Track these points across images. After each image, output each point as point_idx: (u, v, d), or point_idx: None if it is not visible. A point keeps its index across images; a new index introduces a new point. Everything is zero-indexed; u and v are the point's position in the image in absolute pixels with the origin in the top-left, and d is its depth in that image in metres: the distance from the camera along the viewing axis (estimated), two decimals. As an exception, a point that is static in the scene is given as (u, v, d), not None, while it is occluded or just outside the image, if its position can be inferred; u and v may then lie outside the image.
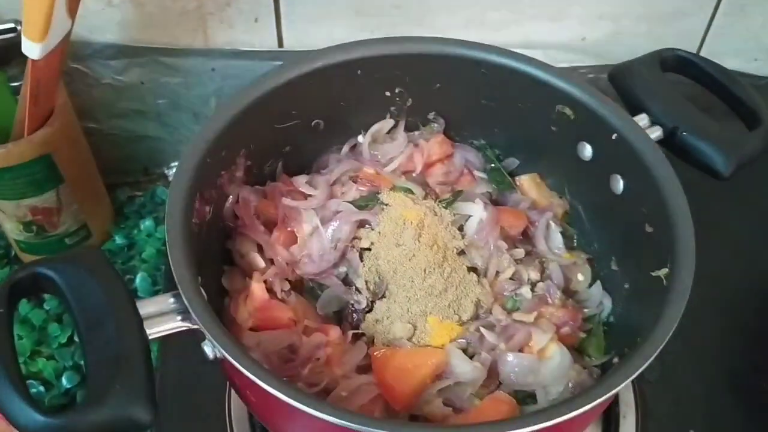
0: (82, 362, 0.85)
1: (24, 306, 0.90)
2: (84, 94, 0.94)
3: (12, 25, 0.84)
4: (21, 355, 0.85)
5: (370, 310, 0.68)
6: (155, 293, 0.91)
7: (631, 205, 0.67)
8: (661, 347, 0.52)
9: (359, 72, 0.73)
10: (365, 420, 0.48)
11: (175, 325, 0.53)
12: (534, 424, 0.49)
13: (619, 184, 0.69)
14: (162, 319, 0.53)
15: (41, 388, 0.83)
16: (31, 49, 0.72)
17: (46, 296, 0.91)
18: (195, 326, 0.53)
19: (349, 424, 0.47)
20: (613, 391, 0.50)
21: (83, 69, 0.93)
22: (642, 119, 0.69)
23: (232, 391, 0.76)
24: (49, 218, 0.88)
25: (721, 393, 0.81)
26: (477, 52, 0.72)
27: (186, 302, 0.52)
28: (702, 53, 0.99)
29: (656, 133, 0.69)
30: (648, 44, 0.79)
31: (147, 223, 0.98)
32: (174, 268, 0.54)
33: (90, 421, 0.46)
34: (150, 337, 0.52)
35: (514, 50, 0.72)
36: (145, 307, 0.53)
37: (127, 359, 0.49)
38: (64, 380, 0.83)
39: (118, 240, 0.97)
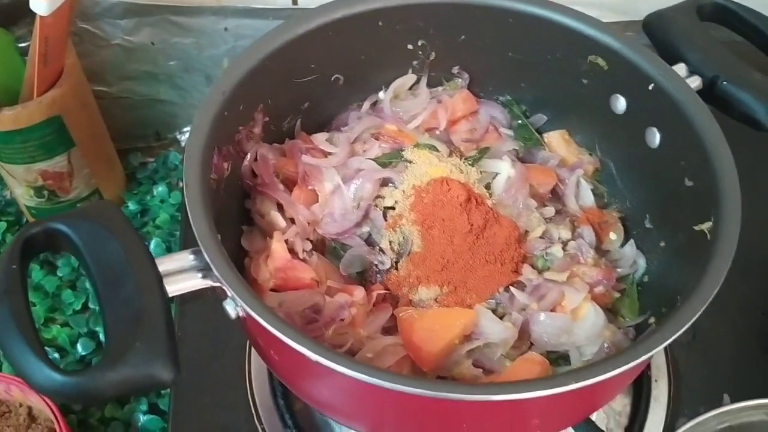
0: (96, 329, 0.84)
1: (37, 273, 0.88)
2: (93, 55, 0.92)
3: (18, -18, 0.82)
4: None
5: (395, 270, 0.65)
6: (170, 259, 0.89)
7: (668, 159, 0.64)
8: (709, 301, 0.49)
9: (380, 23, 0.70)
10: (399, 378, 0.46)
11: (196, 282, 0.51)
12: (568, 384, 0.46)
13: (655, 138, 0.66)
14: (182, 276, 0.51)
15: (56, 355, 0.82)
16: (39, 4, 0.70)
17: (59, 263, 0.90)
18: (217, 284, 0.51)
19: (381, 382, 0.45)
20: (658, 349, 0.48)
21: (92, 29, 0.90)
22: (680, 69, 0.66)
23: (253, 353, 0.74)
24: (60, 183, 0.87)
25: (755, 356, 0.79)
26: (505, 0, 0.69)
27: (207, 258, 0.50)
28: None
29: (695, 83, 0.66)
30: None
31: (160, 189, 0.97)
32: (193, 223, 0.51)
33: (110, 379, 0.44)
34: (170, 295, 0.50)
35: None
36: (164, 264, 0.50)
37: (148, 317, 0.46)
38: (79, 347, 0.82)
39: (131, 206, 0.95)
